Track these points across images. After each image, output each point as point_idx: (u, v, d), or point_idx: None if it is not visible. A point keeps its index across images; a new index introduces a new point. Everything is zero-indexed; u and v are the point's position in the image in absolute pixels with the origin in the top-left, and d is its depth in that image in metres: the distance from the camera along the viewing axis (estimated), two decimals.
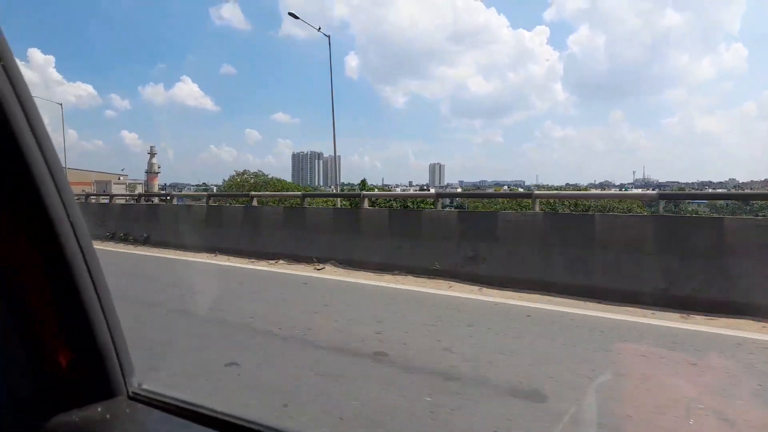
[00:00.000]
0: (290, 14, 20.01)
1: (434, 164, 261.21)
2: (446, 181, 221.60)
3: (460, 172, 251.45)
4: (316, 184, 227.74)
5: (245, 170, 32.14)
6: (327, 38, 20.34)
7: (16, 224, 0.62)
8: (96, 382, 0.68)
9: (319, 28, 20.47)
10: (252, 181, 29.44)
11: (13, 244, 0.62)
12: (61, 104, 31.44)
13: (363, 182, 29.72)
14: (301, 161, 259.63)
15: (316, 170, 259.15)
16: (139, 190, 40.58)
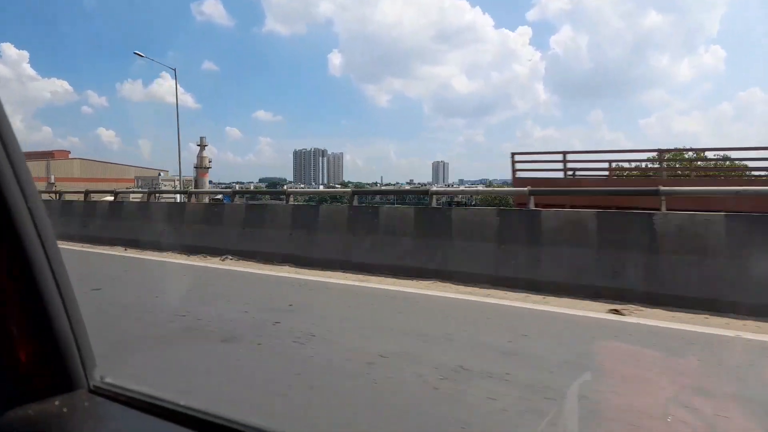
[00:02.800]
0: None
1: (437, 162, 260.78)
2: (450, 179, 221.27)
3: (449, 172, 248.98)
4: (321, 182, 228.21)
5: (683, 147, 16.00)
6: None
7: None
8: (55, 375, 0.66)
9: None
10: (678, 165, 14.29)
11: None
12: (174, 69, 24.69)
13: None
14: (303, 158, 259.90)
15: (320, 168, 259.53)
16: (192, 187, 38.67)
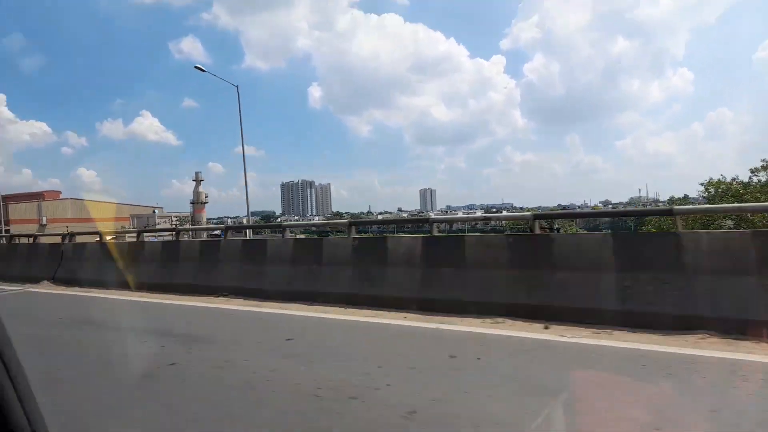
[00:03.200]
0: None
1: (425, 189, 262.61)
2: (438, 206, 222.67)
3: (436, 199, 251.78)
4: (311, 213, 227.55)
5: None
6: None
7: None
8: None
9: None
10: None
11: None
12: (237, 86, 22.11)
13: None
14: (291, 191, 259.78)
15: (308, 199, 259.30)
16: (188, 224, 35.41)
